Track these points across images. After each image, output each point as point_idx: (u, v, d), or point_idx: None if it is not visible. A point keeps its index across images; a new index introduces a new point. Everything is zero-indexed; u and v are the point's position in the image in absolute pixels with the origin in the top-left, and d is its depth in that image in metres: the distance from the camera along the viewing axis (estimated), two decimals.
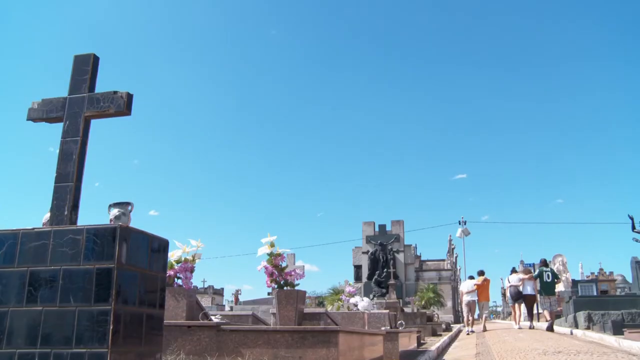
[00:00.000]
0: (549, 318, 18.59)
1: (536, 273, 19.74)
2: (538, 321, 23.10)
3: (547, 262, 20.88)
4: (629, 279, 66.18)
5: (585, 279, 63.38)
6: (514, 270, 21.42)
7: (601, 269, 69.49)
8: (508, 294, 21.60)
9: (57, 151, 4.53)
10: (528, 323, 19.60)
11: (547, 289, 19.07)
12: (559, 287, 30.00)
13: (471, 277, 21.98)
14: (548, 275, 19.03)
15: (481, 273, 21.69)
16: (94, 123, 4.76)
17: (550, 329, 17.79)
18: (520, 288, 19.67)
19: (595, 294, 47.43)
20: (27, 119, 4.69)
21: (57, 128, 4.83)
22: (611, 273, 69.24)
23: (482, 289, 21.20)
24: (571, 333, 16.98)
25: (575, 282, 46.06)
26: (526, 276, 19.82)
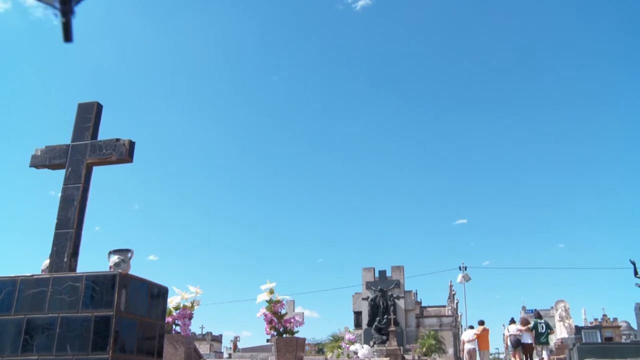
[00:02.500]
0: None
1: (532, 325, 21.49)
2: None
3: (541, 314, 23.39)
4: (634, 326, 65.10)
5: (589, 325, 62.38)
6: (512, 321, 22.96)
7: (605, 315, 68.46)
8: (508, 342, 23.18)
9: (59, 195, 4.57)
10: None
11: (542, 339, 21.11)
12: (563, 334, 29.57)
13: (471, 327, 24.10)
14: (542, 326, 21.21)
15: (481, 323, 23.54)
16: (96, 168, 4.81)
17: None
18: (519, 337, 21.32)
19: (599, 341, 46.61)
20: (30, 166, 4.73)
21: (59, 172, 4.88)
22: (615, 319, 68.20)
23: (482, 338, 23.00)
24: None
25: (578, 329, 45.29)
26: (523, 328, 21.51)
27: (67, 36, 1.76)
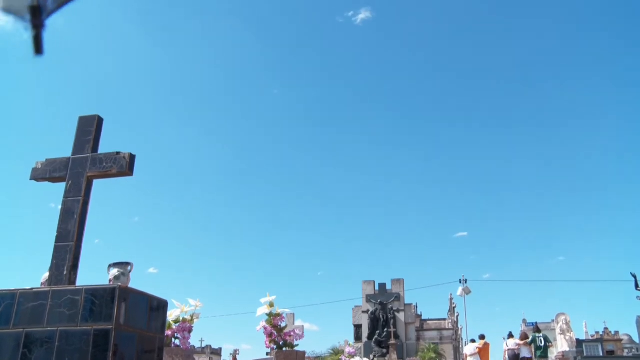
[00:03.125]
0: None
1: (530, 339, 21.77)
2: None
3: (540, 328, 23.84)
4: (635, 339, 64.68)
5: (590, 338, 61.99)
6: (511, 335, 23.24)
7: (606, 329, 68.11)
8: (507, 356, 23.43)
9: (59, 208, 4.57)
10: None
11: (541, 353, 21.23)
12: (564, 347, 29.43)
13: (473, 341, 24.85)
14: (541, 340, 21.44)
15: (482, 337, 24.00)
16: (96, 181, 4.83)
17: None
18: (518, 351, 21.67)
19: (601, 354, 46.30)
20: (31, 179, 4.74)
21: (60, 184, 4.89)
22: (617, 332, 67.85)
23: (484, 352, 23.44)
24: None
25: (579, 342, 45.01)
26: (522, 342, 21.91)
27: (38, 49, 1.75)
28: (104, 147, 4.92)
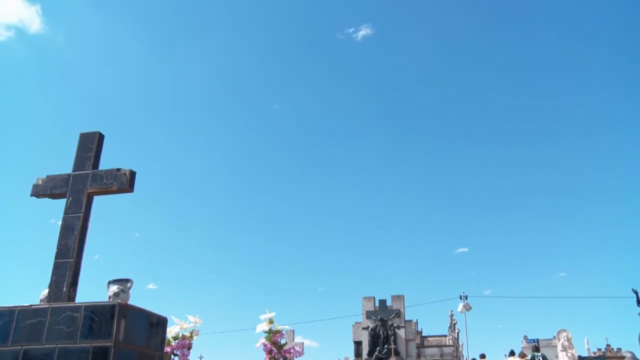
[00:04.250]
0: None
1: (529, 358, 22.09)
2: None
3: (539, 347, 23.88)
4: (639, 355, 64.16)
5: (592, 355, 61.54)
6: (512, 353, 23.81)
7: (608, 345, 67.65)
8: None
9: (59, 224, 4.58)
10: None
11: None
12: None
13: None
14: (539, 359, 21.56)
15: (482, 356, 24.49)
16: (96, 197, 4.84)
17: None
18: None
19: None
20: (31, 195, 4.76)
21: (60, 200, 4.90)
22: (619, 349, 67.32)
23: None
24: None
25: (581, 359, 44.70)
26: None
27: None
28: (105, 162, 4.95)
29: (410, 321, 41.86)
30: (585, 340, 66.16)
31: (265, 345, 8.07)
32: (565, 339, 30.94)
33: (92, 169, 4.65)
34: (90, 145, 4.79)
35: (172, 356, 7.41)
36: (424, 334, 47.18)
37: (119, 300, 3.48)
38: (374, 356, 36.90)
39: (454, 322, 51.84)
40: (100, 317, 3.43)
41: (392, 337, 36.65)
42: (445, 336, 47.97)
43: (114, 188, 4.55)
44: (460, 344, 50.35)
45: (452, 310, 51.69)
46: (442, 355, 40.86)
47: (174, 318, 7.76)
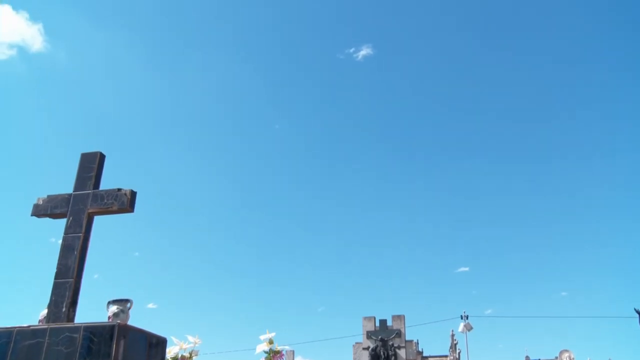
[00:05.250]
0: None
1: None
2: None
3: None
4: None
5: None
6: None
7: None
8: None
9: (59, 243, 4.58)
10: None
11: None
12: None
13: None
14: None
15: None
16: (97, 216, 4.85)
17: None
18: None
19: None
20: (32, 215, 4.77)
21: (60, 219, 4.91)
22: None
23: None
24: None
25: None
26: None
27: None
28: (105, 179, 4.98)
29: (411, 341, 41.60)
30: None
31: None
32: (568, 359, 30.74)
33: (93, 188, 4.67)
34: (91, 165, 4.81)
35: None
36: (425, 354, 46.83)
37: (119, 321, 3.47)
38: None
39: (455, 342, 51.50)
40: (100, 337, 3.42)
41: (393, 358, 36.37)
42: (446, 356, 47.59)
43: (115, 208, 4.56)
44: None
45: (453, 330, 51.37)
46: None
47: (173, 338, 7.72)
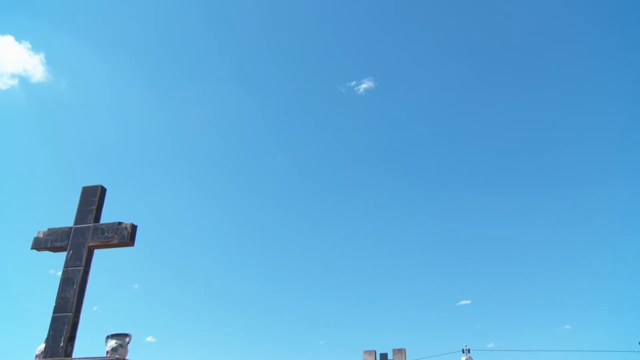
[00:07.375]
0: None
1: None
2: None
3: None
4: None
5: None
6: None
7: None
8: None
9: (58, 274, 4.56)
10: None
11: None
12: None
13: None
14: None
15: None
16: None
17: None
18: None
19: None
20: (32, 248, 4.77)
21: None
22: None
23: None
24: None
25: None
26: None
27: None
28: (105, 213, 4.98)
29: None
30: None
31: None
32: None
33: (94, 222, 4.68)
34: (92, 199, 4.83)
35: None
36: None
37: (117, 356, 3.44)
38: None
39: None
40: None
41: None
42: None
43: (115, 242, 4.56)
44: None
45: None
46: None
47: None
